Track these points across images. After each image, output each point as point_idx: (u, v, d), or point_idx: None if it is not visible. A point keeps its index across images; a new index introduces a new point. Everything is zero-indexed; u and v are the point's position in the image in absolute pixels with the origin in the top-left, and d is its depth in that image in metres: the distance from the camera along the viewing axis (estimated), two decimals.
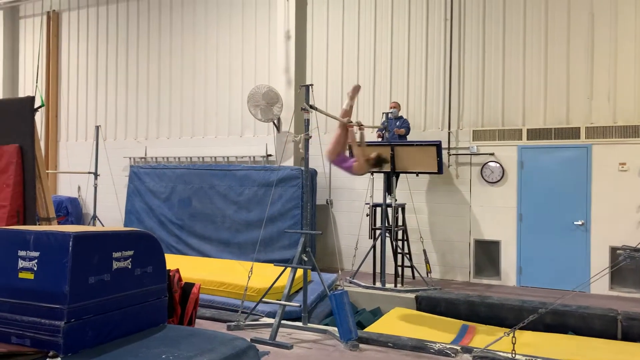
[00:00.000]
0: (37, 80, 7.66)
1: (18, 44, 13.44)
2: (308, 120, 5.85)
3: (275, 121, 9.72)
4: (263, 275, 6.65)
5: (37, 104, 6.10)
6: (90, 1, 12.53)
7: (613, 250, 7.66)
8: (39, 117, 11.73)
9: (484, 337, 5.98)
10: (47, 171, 7.77)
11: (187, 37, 11.29)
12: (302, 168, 6.51)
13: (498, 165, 8.54)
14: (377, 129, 8.78)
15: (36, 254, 3.38)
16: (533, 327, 5.85)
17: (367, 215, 8.36)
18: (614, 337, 6.19)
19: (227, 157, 10.69)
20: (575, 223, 8.03)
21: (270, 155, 10.23)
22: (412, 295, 7.28)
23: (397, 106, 8.76)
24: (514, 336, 4.54)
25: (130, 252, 3.72)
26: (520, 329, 5.05)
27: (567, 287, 7.56)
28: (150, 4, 11.71)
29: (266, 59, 10.44)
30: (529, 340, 5.91)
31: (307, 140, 5.88)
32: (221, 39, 10.92)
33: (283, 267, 5.88)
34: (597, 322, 6.26)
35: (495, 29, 8.69)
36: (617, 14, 7.93)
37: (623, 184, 7.81)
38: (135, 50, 11.89)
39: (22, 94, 13.18)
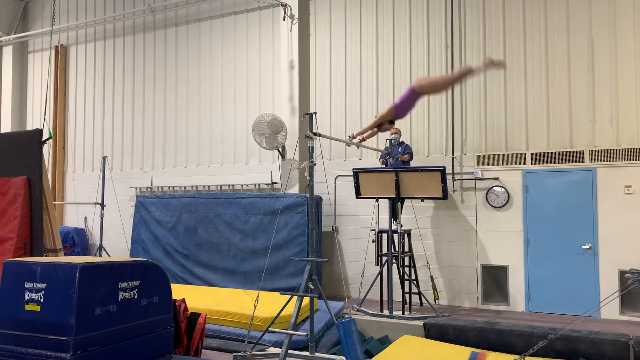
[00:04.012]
0: (45, 112, 7.76)
1: (26, 77, 13.71)
2: (312, 147, 5.90)
3: (280, 149, 9.80)
4: (269, 304, 6.61)
5: (44, 136, 6.18)
6: (97, 35, 12.81)
7: (622, 273, 7.58)
8: (47, 149, 11.85)
9: None
10: (54, 202, 7.82)
11: (191, 68, 11.48)
12: (307, 195, 6.53)
13: (503, 189, 8.53)
14: (380, 156, 8.83)
15: (43, 285, 3.40)
16: (544, 353, 5.75)
17: (373, 242, 8.33)
18: None
19: (233, 186, 10.74)
20: (582, 247, 7.98)
21: (275, 182, 10.27)
22: (420, 323, 7.20)
23: (398, 132, 8.80)
24: None
25: (137, 283, 3.73)
26: (531, 355, 4.98)
27: (576, 312, 7.46)
28: (156, 36, 11.95)
29: (270, 88, 10.58)
30: None
31: (311, 168, 5.91)
32: (225, 69, 11.10)
33: (289, 296, 5.84)
34: (608, 348, 6.14)
35: (496, 54, 8.79)
36: (617, 38, 8.03)
37: (629, 207, 7.77)
38: (141, 82, 12.08)
39: (30, 126, 13.38)
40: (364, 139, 7.24)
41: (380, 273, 7.98)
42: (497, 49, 8.79)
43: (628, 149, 7.85)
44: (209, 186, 10.99)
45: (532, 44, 8.57)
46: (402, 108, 6.83)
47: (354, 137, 7.01)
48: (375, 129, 7.01)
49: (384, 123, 6.89)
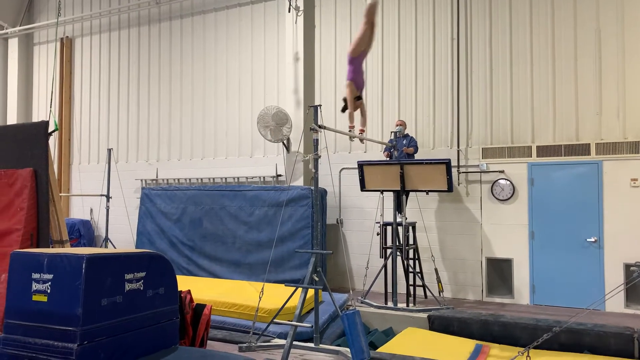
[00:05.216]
0: (50, 104, 7.79)
1: (32, 69, 13.73)
2: (317, 140, 5.90)
3: (285, 141, 9.80)
4: (274, 296, 6.63)
5: (50, 128, 6.20)
6: (102, 27, 12.81)
7: (627, 267, 7.57)
8: (53, 141, 11.92)
9: (498, 356, 5.90)
10: (60, 194, 7.86)
11: (197, 59, 11.47)
12: (312, 188, 6.54)
13: (508, 182, 8.51)
14: (384, 148, 8.81)
15: (50, 276, 3.42)
16: (548, 346, 5.77)
17: (378, 234, 8.35)
18: (630, 356, 6.07)
19: (238, 178, 10.76)
20: (588, 240, 7.96)
21: (280, 175, 10.29)
22: (425, 315, 7.22)
23: (402, 124, 8.78)
24: (528, 355, 4.48)
25: (142, 274, 3.75)
26: (535, 348, 4.99)
27: (581, 305, 7.46)
28: (161, 28, 11.94)
29: (275, 80, 10.56)
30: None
31: (316, 160, 5.91)
32: (230, 61, 11.08)
33: (294, 288, 5.87)
34: (613, 341, 6.15)
35: (502, 46, 8.74)
36: (624, 30, 7.96)
37: (635, 200, 7.74)
38: (146, 73, 12.09)
39: (36, 118, 13.42)
40: (362, 131, 7.15)
41: (385, 265, 8.00)
42: (504, 41, 8.74)
43: (634, 141, 7.80)
44: (214, 178, 11.01)
45: (538, 36, 8.51)
46: (356, 78, 6.82)
47: (352, 127, 6.96)
48: (353, 110, 6.91)
49: (354, 101, 6.85)
